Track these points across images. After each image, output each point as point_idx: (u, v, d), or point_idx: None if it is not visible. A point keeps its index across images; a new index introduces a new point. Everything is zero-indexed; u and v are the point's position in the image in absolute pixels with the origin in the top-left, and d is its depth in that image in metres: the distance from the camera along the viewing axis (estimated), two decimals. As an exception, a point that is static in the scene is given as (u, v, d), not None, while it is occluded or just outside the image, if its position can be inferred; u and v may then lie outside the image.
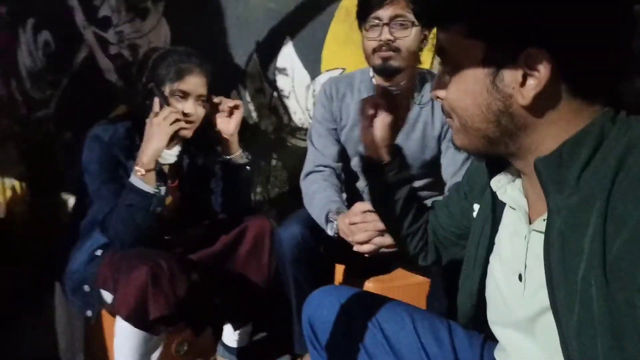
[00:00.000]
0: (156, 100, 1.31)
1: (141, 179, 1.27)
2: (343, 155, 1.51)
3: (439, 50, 0.65)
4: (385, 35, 1.28)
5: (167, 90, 1.33)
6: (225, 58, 1.89)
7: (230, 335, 1.63)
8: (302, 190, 1.47)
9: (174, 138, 1.34)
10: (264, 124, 1.96)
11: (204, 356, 1.63)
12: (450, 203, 0.95)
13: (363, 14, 1.33)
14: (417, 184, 1.49)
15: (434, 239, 0.99)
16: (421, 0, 0.64)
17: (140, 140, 1.32)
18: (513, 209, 0.70)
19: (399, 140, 1.41)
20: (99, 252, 1.36)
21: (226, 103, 1.45)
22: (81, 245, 1.40)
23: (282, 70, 1.88)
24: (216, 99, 1.45)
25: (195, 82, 1.35)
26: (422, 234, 0.99)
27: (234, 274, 1.50)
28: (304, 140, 1.92)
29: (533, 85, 0.57)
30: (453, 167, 1.38)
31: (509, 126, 0.61)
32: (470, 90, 0.61)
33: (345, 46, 1.78)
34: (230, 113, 1.46)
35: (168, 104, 1.32)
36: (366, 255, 1.21)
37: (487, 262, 0.77)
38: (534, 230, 0.65)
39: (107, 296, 1.32)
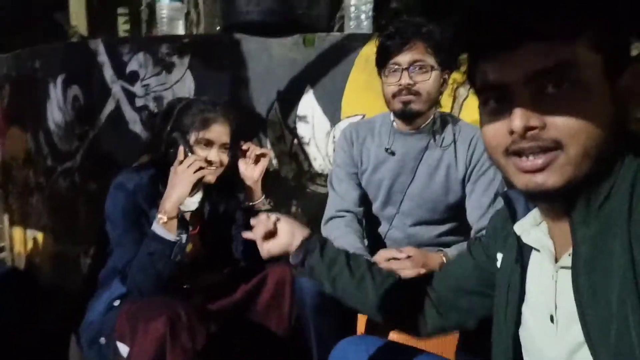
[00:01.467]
0: (181, 148, 1.33)
1: (163, 227, 1.26)
2: (364, 200, 1.49)
3: (554, 68, 0.57)
4: (405, 79, 1.29)
5: (191, 138, 1.35)
6: (248, 107, 1.93)
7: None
8: (324, 236, 1.44)
9: (197, 185, 1.35)
10: (284, 171, 1.96)
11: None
12: (463, 261, 0.92)
13: (382, 61, 1.35)
14: (442, 228, 1.45)
15: (436, 303, 0.92)
16: (548, 11, 0.56)
17: (163, 189, 1.33)
18: (538, 251, 0.70)
19: (422, 183, 1.41)
20: (116, 303, 1.34)
21: (254, 151, 1.46)
22: (99, 296, 1.38)
23: (303, 118, 1.90)
24: (245, 146, 1.46)
25: (219, 131, 1.37)
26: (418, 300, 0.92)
27: (253, 324, 1.45)
28: (324, 186, 1.91)
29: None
30: (479, 210, 1.35)
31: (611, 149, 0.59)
32: (599, 106, 0.58)
33: (365, 93, 1.80)
34: (256, 160, 1.47)
35: (192, 152, 1.34)
36: None
37: (519, 312, 0.75)
38: (561, 267, 0.65)
39: (124, 350, 1.28)
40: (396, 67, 1.31)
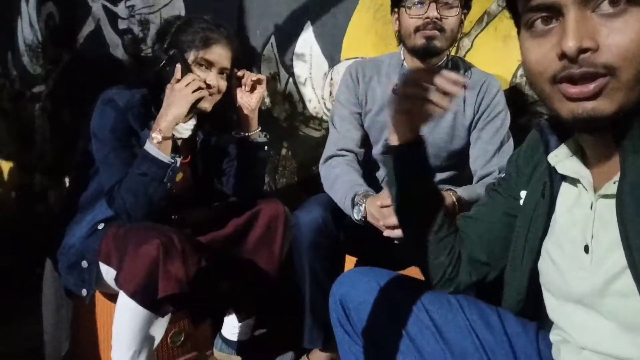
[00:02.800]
0: (178, 67, 1.23)
1: (157, 147, 1.18)
2: (365, 142, 1.44)
3: None
4: (433, 12, 1.23)
5: (190, 57, 1.26)
6: (242, 39, 1.82)
7: (231, 328, 1.53)
8: (322, 175, 1.39)
9: (193, 109, 1.26)
10: (276, 111, 1.88)
11: (200, 349, 1.52)
12: (489, 202, 0.88)
13: None
14: (442, 176, 1.43)
15: (467, 253, 0.86)
16: None
17: (156, 109, 1.25)
18: (574, 181, 0.68)
19: (427, 127, 1.37)
20: (101, 226, 1.26)
21: (249, 77, 1.38)
22: (81, 219, 1.30)
23: (300, 56, 1.81)
24: (239, 72, 1.38)
25: (221, 54, 1.28)
26: (451, 246, 0.85)
27: (243, 259, 1.40)
28: (318, 130, 1.85)
29: None
30: (483, 157, 1.33)
31: None
32: None
33: (367, 35, 1.73)
34: (253, 88, 1.39)
35: (191, 72, 1.24)
36: (396, 242, 1.14)
37: (540, 246, 0.73)
38: (601, 196, 0.63)
39: (108, 274, 1.21)
40: None
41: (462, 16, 1.30)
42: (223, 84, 1.32)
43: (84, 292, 1.24)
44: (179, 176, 1.35)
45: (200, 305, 1.35)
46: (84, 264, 1.23)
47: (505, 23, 1.58)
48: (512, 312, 0.80)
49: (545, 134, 0.72)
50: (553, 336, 0.73)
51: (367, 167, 1.46)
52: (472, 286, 0.86)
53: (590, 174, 0.66)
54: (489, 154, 1.32)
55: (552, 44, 0.58)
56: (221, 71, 1.30)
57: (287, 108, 1.87)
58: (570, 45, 0.54)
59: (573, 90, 0.57)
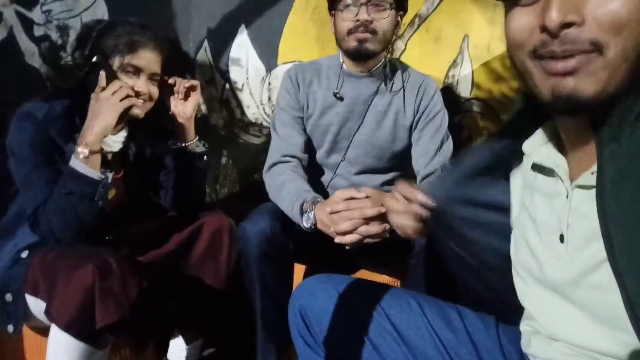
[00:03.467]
0: (102, 74, 1.13)
1: (84, 162, 1.08)
2: (309, 147, 1.42)
3: None
4: (363, 15, 1.23)
5: (116, 63, 1.17)
6: (173, 45, 1.73)
7: (177, 352, 1.44)
8: (267, 183, 1.35)
9: (123, 118, 1.17)
10: (213, 119, 1.81)
11: (145, 377, 1.42)
12: None
13: None
14: (386, 177, 1.43)
15: None
16: None
17: (80, 121, 1.15)
18: (549, 170, 0.65)
19: (370, 129, 1.37)
20: (24, 254, 1.14)
21: (182, 84, 1.31)
22: (1, 247, 1.16)
23: (236, 61, 1.75)
24: (170, 80, 1.31)
25: (149, 58, 1.20)
26: None
27: (187, 276, 1.32)
28: (258, 136, 1.80)
29: None
30: (425, 157, 1.34)
31: None
32: None
33: (303, 39, 1.70)
34: (187, 95, 1.32)
35: (117, 79, 1.15)
36: (347, 248, 1.12)
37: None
38: (577, 187, 0.61)
39: (36, 306, 1.09)
40: (352, 1, 1.23)
41: (399, 18, 1.31)
42: (154, 90, 1.24)
43: (10, 328, 1.11)
44: (112, 193, 1.26)
45: (143, 329, 1.26)
46: (8, 297, 1.11)
47: (435, 25, 1.62)
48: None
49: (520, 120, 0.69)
50: (523, 327, 0.72)
51: (312, 173, 1.44)
52: None
53: (565, 162, 0.64)
54: (431, 153, 1.34)
55: (536, 13, 0.55)
56: (151, 77, 1.22)
57: (224, 115, 1.80)
58: (554, 18, 0.52)
59: (554, 65, 0.54)
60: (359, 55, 1.28)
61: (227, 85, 1.78)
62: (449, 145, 1.36)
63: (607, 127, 0.55)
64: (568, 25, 0.52)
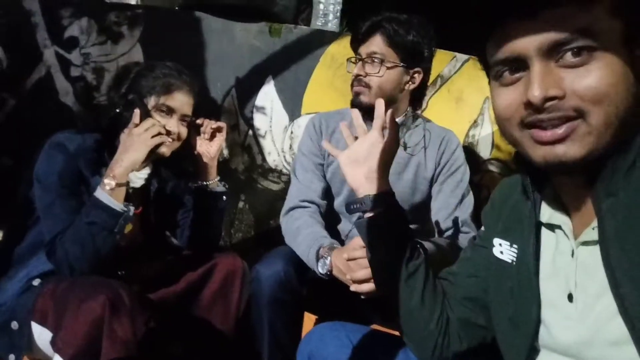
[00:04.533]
0: (137, 111, 1.18)
1: (109, 194, 1.10)
2: (327, 194, 1.42)
3: (571, 36, 0.55)
4: (357, 70, 1.32)
5: (151, 103, 1.21)
6: (201, 91, 1.79)
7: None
8: (284, 227, 1.34)
9: (151, 155, 1.20)
10: (234, 163, 1.84)
11: None
12: (473, 256, 0.82)
13: (353, 51, 1.37)
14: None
15: (456, 314, 0.79)
16: None
17: (109, 156, 1.17)
18: (552, 227, 0.66)
19: (390, 180, 1.37)
20: (36, 282, 1.13)
21: (209, 124, 1.34)
22: (13, 275, 1.16)
23: (261, 109, 1.81)
24: (199, 120, 1.35)
25: (182, 100, 1.25)
26: (440, 311, 0.78)
27: (196, 318, 1.30)
28: (276, 182, 1.82)
29: None
30: (446, 210, 1.33)
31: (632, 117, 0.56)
32: (619, 73, 0.55)
33: (327, 91, 1.76)
34: (212, 136, 1.35)
35: (150, 117, 1.19)
36: (362, 297, 1.09)
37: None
38: (581, 243, 0.62)
39: (42, 336, 1.07)
40: (358, 57, 1.32)
41: (415, 74, 1.34)
42: (184, 131, 1.27)
43: (12, 357, 1.09)
44: (128, 227, 1.26)
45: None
46: (14, 325, 1.09)
47: (457, 86, 1.66)
48: None
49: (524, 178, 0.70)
50: None
51: (329, 221, 1.43)
52: (467, 355, 0.77)
53: (569, 220, 0.65)
54: (452, 207, 1.33)
55: (519, 91, 0.59)
56: (182, 118, 1.26)
57: (245, 160, 1.84)
58: (536, 94, 0.56)
59: (543, 134, 0.57)
60: (356, 106, 1.32)
61: (250, 132, 1.82)
62: (470, 199, 1.35)
63: (600, 183, 0.58)
64: (551, 99, 0.56)
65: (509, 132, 0.62)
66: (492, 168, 1.65)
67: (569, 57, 0.56)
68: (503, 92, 0.61)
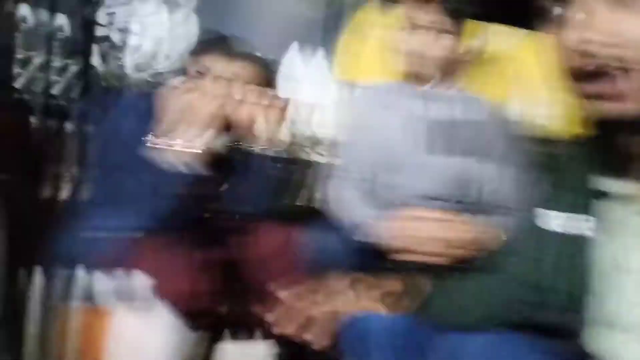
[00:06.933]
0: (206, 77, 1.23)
1: (176, 155, 1.16)
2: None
3: None
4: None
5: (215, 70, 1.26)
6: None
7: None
8: (330, 196, 1.38)
9: (216, 119, 1.25)
10: (284, 134, 1.87)
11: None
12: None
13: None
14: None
15: None
16: None
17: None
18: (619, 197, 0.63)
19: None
20: (106, 234, 1.20)
21: (276, 98, 1.38)
22: (85, 224, 1.23)
23: (310, 80, 1.83)
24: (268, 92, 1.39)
25: (250, 69, 1.30)
26: None
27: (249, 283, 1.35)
28: (324, 155, 1.85)
29: None
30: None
31: None
32: None
33: (378, 63, 1.75)
34: (273, 107, 1.39)
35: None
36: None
37: None
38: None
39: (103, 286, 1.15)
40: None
41: None
42: (252, 97, 1.31)
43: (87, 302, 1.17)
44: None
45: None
46: (82, 271, 1.17)
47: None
48: None
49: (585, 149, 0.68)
50: None
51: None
52: None
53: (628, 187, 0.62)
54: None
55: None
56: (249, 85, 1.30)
57: (294, 132, 1.87)
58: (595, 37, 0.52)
59: (598, 88, 0.53)
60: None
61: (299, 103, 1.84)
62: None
63: None
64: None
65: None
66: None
67: None
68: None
